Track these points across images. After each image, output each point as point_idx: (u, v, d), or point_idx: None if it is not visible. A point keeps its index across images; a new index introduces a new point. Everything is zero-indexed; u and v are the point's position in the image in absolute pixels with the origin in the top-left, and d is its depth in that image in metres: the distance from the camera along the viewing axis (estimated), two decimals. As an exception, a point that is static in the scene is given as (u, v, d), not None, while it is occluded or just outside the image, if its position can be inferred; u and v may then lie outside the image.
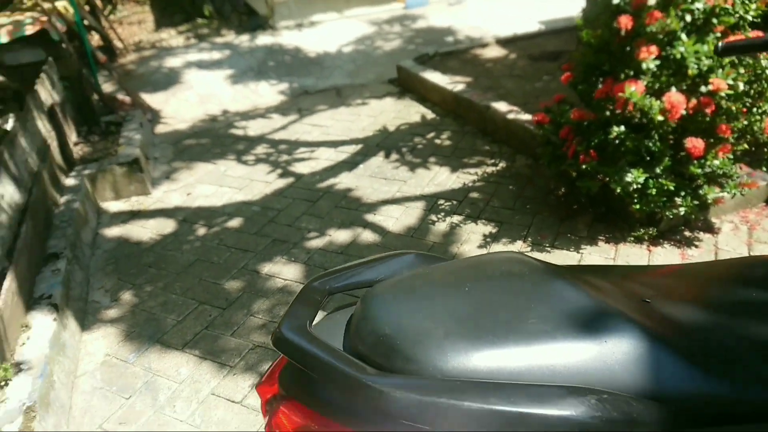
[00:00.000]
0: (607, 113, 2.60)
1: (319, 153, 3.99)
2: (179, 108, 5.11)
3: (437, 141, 3.94)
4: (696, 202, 2.55)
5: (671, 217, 2.63)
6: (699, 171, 2.50)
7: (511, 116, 3.70)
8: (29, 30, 3.82)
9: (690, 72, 2.39)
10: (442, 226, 3.02)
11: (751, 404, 0.76)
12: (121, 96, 5.04)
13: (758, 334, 0.85)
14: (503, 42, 5.34)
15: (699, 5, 2.37)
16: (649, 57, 2.38)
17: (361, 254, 2.87)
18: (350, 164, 3.77)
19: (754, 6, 2.42)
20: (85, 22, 5.67)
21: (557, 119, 2.86)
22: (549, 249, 2.76)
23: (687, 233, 2.76)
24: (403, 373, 0.74)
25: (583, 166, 2.64)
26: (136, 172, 3.65)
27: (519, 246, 2.81)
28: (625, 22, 2.45)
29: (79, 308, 2.63)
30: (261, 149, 4.16)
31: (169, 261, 3.00)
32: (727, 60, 2.38)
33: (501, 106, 3.83)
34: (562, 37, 5.23)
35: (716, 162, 2.49)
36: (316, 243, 3.00)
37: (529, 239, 2.84)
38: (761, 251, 2.61)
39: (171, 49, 6.75)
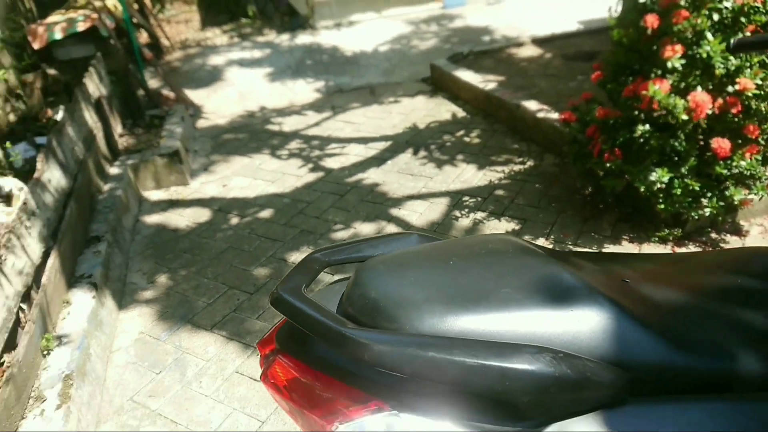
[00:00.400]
0: (635, 112, 2.60)
1: (350, 149, 4.08)
2: (220, 104, 5.30)
3: (466, 139, 3.99)
4: (722, 204, 2.52)
5: (697, 217, 2.61)
6: (725, 172, 2.48)
7: (541, 115, 3.71)
8: (81, 27, 4.05)
9: (717, 72, 2.37)
10: (465, 221, 3.07)
11: (710, 376, 0.81)
12: (165, 91, 5.26)
13: (727, 315, 0.88)
14: (539, 41, 5.33)
15: (727, 4, 2.35)
16: (674, 56, 2.38)
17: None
18: (379, 160, 3.85)
19: (786, 4, 2.38)
20: (134, 20, 5.93)
21: (584, 117, 2.87)
22: (571, 247, 2.77)
23: (713, 235, 2.73)
24: None
25: (608, 165, 2.65)
26: (176, 164, 3.83)
27: (541, 243, 2.83)
28: (651, 21, 2.45)
29: (117, 288, 2.79)
30: (294, 144, 4.29)
31: (203, 247, 3.14)
32: (756, 59, 2.35)
33: (531, 105, 3.84)
34: (600, 37, 5.18)
35: (743, 163, 2.46)
36: (341, 234, 3.09)
37: (552, 237, 2.86)
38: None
39: (215, 48, 6.98)
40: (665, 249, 2.68)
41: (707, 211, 2.52)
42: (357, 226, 3.15)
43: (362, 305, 0.86)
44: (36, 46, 4.04)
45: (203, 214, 3.49)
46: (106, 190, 3.43)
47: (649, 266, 1.05)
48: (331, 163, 3.90)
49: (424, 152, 3.87)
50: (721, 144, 2.39)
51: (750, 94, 2.33)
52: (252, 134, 4.57)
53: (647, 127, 2.51)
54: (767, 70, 2.36)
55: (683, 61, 2.41)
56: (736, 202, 2.53)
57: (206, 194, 3.73)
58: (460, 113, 4.42)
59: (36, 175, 2.66)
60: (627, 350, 0.80)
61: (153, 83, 5.46)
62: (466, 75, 4.60)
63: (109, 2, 4.91)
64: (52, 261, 2.44)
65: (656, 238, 2.73)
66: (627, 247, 2.72)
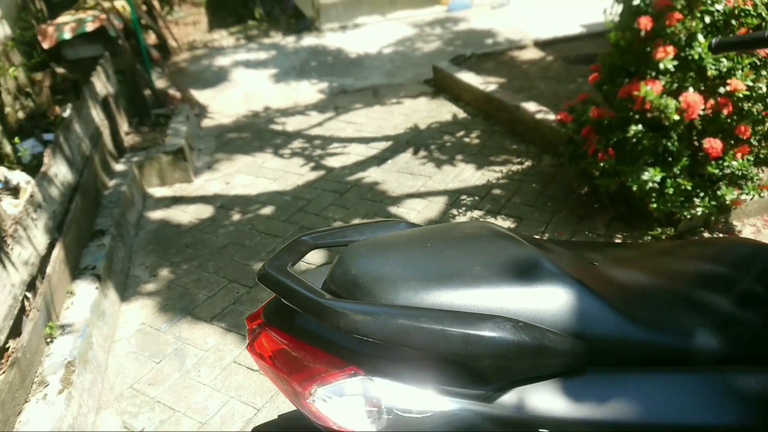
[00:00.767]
0: (630, 113, 2.64)
1: (351, 149, 4.15)
2: (225, 104, 5.38)
3: (466, 139, 4.04)
4: (714, 203, 2.55)
5: (689, 217, 2.64)
6: (717, 172, 2.51)
7: (539, 116, 3.76)
8: (90, 27, 4.14)
9: (709, 73, 2.41)
10: (461, 219, 3.11)
11: (669, 351, 0.86)
12: (172, 91, 5.35)
13: (694, 298, 0.93)
14: (541, 44, 5.38)
15: (719, 7, 2.39)
16: (666, 57, 2.42)
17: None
18: (379, 159, 3.91)
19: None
20: (142, 21, 6.03)
21: (579, 118, 2.91)
22: (565, 245, 2.81)
23: (706, 234, 2.77)
24: None
25: (602, 165, 2.69)
26: (180, 161, 3.90)
27: (536, 241, 2.87)
28: (644, 23, 2.50)
29: (119, 281, 2.86)
30: (297, 144, 4.35)
31: (205, 243, 3.21)
32: (747, 61, 2.39)
33: (531, 107, 3.89)
34: (601, 41, 5.21)
35: (735, 163, 2.49)
36: (340, 231, 3.14)
37: (546, 235, 2.90)
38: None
39: (221, 49, 7.07)
40: (658, 248, 2.72)
41: (699, 211, 2.56)
42: (355, 222, 3.20)
43: (343, 281, 0.92)
44: (46, 45, 4.13)
45: (206, 211, 3.55)
46: (111, 186, 3.50)
47: (620, 252, 1.10)
48: (333, 162, 3.96)
49: (424, 152, 3.93)
50: (712, 144, 2.43)
51: (741, 95, 2.37)
52: (256, 134, 4.64)
53: (640, 127, 2.55)
54: (757, 72, 2.40)
55: (675, 63, 2.46)
56: (728, 202, 2.56)
57: (209, 191, 3.80)
58: (461, 114, 4.48)
59: (43, 169, 2.73)
60: (588, 324, 0.86)
61: (160, 83, 5.55)
62: (468, 77, 4.66)
63: (117, 4, 5.01)
64: (57, 252, 2.51)
65: (649, 237, 2.77)
66: (620, 246, 2.76)
